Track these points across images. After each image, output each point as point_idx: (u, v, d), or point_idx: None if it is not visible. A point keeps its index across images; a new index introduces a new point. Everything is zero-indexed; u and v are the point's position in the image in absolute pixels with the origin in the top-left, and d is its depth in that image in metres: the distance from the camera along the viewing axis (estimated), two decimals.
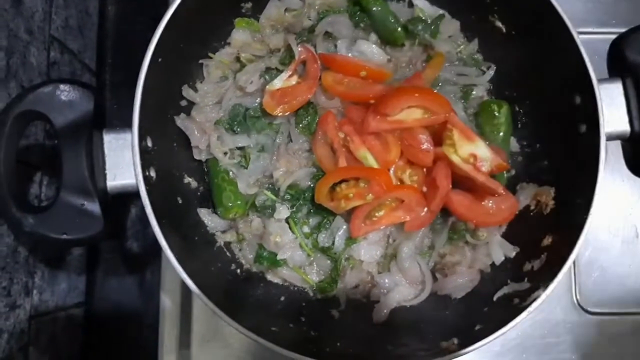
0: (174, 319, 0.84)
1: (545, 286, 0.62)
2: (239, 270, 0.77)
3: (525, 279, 0.67)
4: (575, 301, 0.80)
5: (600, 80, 0.66)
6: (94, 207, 0.62)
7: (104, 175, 0.64)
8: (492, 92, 0.82)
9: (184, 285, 0.76)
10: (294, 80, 0.76)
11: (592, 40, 0.72)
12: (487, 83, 0.82)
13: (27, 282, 0.75)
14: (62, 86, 0.63)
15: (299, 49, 0.77)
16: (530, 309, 0.61)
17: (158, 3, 0.87)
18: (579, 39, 0.66)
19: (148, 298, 0.92)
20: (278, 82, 0.76)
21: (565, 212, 0.69)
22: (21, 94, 0.62)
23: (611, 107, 0.67)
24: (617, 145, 0.72)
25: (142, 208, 0.96)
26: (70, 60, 0.90)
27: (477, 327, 0.65)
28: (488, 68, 0.81)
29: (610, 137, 0.67)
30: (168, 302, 0.84)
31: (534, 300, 0.61)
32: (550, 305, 0.79)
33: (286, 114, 0.76)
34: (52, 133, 0.79)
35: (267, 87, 0.76)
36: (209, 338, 0.83)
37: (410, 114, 0.70)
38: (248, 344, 0.81)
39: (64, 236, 0.61)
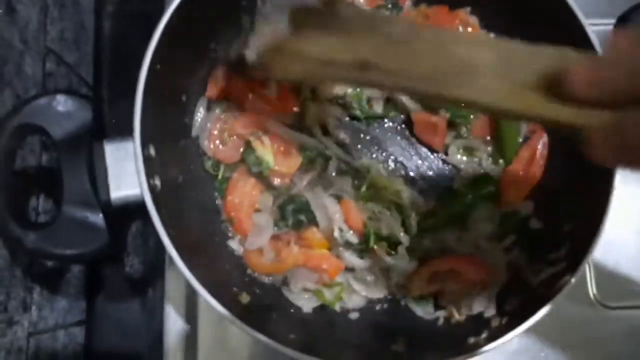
0: (178, 335, 0.77)
1: (573, 270, 0.60)
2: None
3: (552, 265, 0.65)
4: (592, 296, 0.78)
5: None
6: (97, 219, 0.60)
7: (107, 187, 0.61)
8: None
9: (189, 299, 0.74)
10: None
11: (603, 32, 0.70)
12: None
13: (25, 298, 0.72)
14: (58, 97, 0.61)
15: None
16: (560, 294, 0.59)
17: (153, 18, 0.85)
18: (590, 30, 0.64)
19: (150, 315, 0.88)
20: None
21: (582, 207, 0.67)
22: (17, 107, 0.60)
23: None
24: None
25: (143, 222, 0.95)
26: (67, 73, 0.87)
27: (504, 320, 0.64)
28: None
29: None
30: (173, 316, 0.77)
31: (564, 285, 0.59)
32: (567, 302, 0.76)
33: None
34: (48, 145, 0.77)
35: None
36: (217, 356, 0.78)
37: None
38: None
39: (68, 251, 0.59)
